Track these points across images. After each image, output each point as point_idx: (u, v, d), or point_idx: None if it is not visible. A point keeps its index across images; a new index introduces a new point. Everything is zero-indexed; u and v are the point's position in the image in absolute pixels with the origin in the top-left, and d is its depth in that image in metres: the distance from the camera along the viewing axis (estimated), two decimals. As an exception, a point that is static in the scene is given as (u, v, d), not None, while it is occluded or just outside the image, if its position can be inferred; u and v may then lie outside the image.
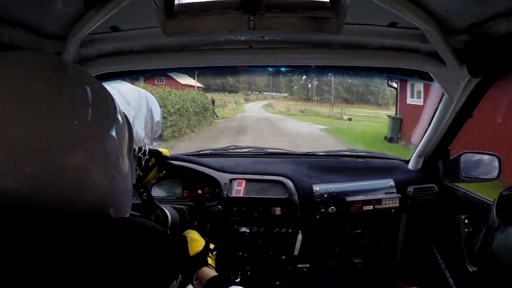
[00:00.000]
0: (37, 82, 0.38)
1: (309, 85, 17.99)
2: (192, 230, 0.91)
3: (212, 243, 0.91)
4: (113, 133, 0.43)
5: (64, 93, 0.39)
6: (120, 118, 0.45)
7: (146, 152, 0.93)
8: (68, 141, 0.37)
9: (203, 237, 0.90)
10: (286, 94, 19.57)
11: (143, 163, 0.91)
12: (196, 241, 0.87)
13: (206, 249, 0.86)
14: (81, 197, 0.39)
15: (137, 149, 0.91)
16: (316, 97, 17.74)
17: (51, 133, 0.36)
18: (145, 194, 0.98)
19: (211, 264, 0.86)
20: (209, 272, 0.81)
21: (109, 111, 0.43)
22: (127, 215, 0.49)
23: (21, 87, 0.37)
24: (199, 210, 0.98)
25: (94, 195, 0.41)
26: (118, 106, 0.46)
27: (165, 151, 0.99)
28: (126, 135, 0.47)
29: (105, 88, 0.45)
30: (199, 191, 0.97)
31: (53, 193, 0.37)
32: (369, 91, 15.83)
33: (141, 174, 0.91)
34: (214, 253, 0.93)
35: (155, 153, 0.95)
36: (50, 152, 0.36)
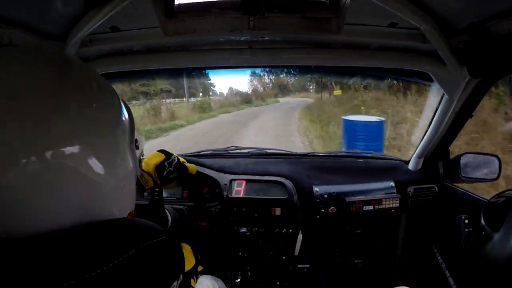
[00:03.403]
0: (40, 78, 0.38)
1: None
2: (187, 246, 0.87)
3: (201, 265, 0.87)
4: (117, 128, 0.43)
5: (68, 89, 0.39)
6: (123, 112, 0.45)
7: (172, 164, 0.91)
8: (70, 137, 0.37)
9: (196, 256, 0.86)
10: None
11: (165, 172, 0.90)
12: (186, 261, 0.82)
13: (193, 271, 0.82)
14: (82, 192, 0.39)
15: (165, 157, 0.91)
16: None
17: (52, 129, 0.36)
18: (156, 195, 0.98)
19: (192, 286, 0.81)
20: None
21: (113, 106, 0.44)
22: (130, 209, 0.48)
23: (22, 82, 0.37)
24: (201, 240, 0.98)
25: (96, 189, 0.40)
26: (121, 100, 0.46)
27: (192, 167, 0.98)
28: (128, 128, 0.47)
29: (108, 83, 0.46)
30: (204, 223, 0.98)
31: (54, 188, 0.36)
32: None
33: (159, 182, 0.90)
34: (199, 276, 0.89)
35: (180, 168, 0.93)
36: (52, 148, 0.36)
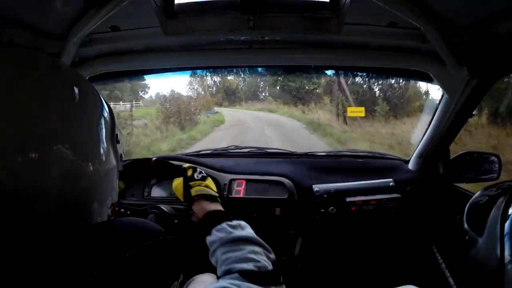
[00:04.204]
0: (26, 79, 0.39)
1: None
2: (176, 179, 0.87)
3: (200, 263, 0.85)
4: (99, 127, 0.44)
5: (52, 90, 0.40)
6: (105, 113, 0.47)
7: None
8: (53, 136, 0.38)
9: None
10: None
11: None
12: (176, 186, 0.85)
13: (186, 181, 0.83)
14: (67, 190, 0.39)
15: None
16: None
17: (35, 128, 0.37)
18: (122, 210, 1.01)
19: (207, 185, 0.81)
20: (205, 205, 0.77)
21: (96, 105, 0.45)
22: (110, 201, 0.49)
23: (9, 83, 0.38)
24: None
25: (79, 188, 0.41)
26: (104, 101, 0.48)
27: None
28: (110, 126, 0.48)
29: (92, 86, 0.48)
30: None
31: (38, 187, 0.37)
32: None
33: None
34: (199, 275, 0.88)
35: None
36: (36, 147, 0.37)
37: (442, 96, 1.11)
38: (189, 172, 0.86)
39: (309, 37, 0.97)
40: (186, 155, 1.45)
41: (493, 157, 1.26)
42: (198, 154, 1.49)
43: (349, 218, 1.29)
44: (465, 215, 0.75)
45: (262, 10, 0.77)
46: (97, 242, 0.37)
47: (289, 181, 1.26)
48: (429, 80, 1.06)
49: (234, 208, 1.23)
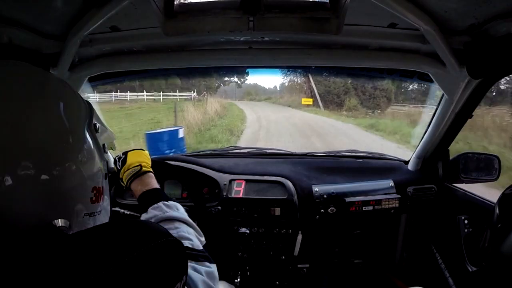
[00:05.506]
0: (17, 94, 0.40)
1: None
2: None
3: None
4: (83, 139, 0.47)
5: (39, 104, 0.42)
6: (82, 110, 0.49)
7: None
8: (38, 148, 0.39)
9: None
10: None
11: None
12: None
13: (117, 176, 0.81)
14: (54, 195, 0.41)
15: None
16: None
17: (22, 140, 0.38)
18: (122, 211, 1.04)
19: (130, 165, 0.79)
20: (136, 187, 0.76)
21: (71, 110, 0.47)
22: (92, 186, 0.49)
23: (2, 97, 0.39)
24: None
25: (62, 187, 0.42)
26: (90, 111, 0.51)
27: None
28: (87, 120, 0.50)
29: (80, 98, 0.50)
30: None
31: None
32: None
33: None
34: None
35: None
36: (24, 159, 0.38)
37: (442, 96, 1.11)
38: (115, 168, 0.84)
39: (309, 38, 0.97)
40: (186, 155, 1.45)
41: (492, 158, 1.26)
42: (198, 154, 1.49)
43: (348, 219, 1.29)
44: (497, 205, 0.81)
45: (262, 10, 0.77)
46: (100, 244, 0.37)
47: (288, 182, 1.26)
48: (429, 80, 1.06)
49: (234, 208, 1.23)
